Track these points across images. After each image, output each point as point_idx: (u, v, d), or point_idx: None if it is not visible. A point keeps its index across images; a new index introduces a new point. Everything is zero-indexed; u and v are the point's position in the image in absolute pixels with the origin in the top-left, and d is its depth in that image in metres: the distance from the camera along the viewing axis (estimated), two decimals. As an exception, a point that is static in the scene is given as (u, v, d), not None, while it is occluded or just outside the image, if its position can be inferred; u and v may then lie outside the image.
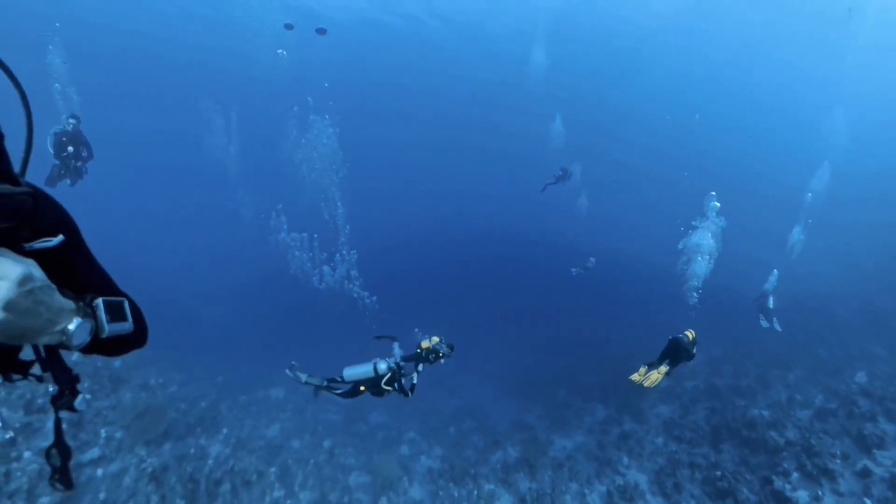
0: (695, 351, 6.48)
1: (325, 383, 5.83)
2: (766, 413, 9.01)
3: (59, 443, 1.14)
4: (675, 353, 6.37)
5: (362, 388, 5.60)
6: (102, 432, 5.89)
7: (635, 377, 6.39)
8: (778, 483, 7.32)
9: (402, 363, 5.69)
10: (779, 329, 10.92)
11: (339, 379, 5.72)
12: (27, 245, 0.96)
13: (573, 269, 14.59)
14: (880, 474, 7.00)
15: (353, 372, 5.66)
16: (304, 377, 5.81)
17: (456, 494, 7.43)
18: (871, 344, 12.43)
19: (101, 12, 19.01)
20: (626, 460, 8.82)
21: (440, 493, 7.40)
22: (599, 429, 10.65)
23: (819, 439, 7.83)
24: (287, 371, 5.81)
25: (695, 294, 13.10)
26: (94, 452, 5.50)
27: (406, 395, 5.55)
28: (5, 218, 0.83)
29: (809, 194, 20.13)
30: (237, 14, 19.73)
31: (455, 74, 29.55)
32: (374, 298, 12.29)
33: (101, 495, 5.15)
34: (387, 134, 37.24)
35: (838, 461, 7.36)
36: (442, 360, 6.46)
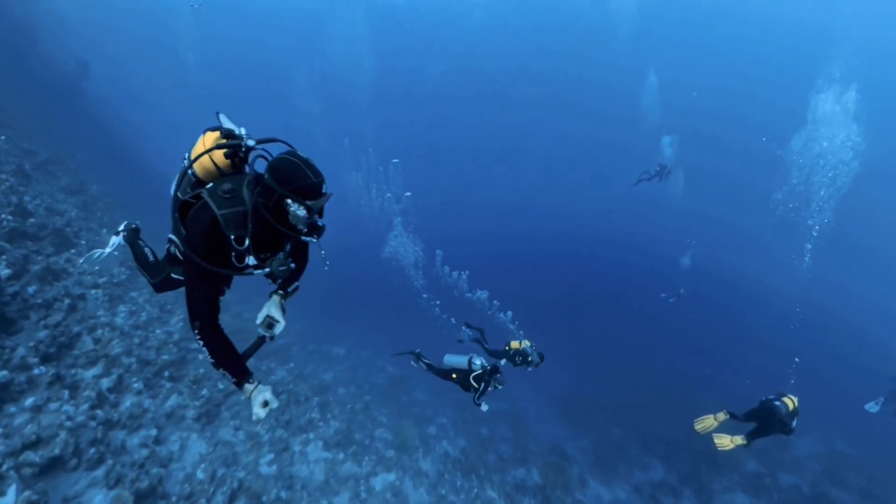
0: (794, 424, 5.44)
1: (418, 350, 6.65)
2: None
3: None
4: (767, 421, 5.46)
5: (454, 375, 6.04)
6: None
7: (706, 422, 5.71)
8: None
9: (500, 369, 5.93)
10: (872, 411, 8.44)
11: (430, 362, 6.50)
12: (303, 238, 1.94)
13: (663, 294, 13.51)
14: None
15: (451, 360, 6.21)
16: (405, 351, 6.90)
17: (458, 484, 8.28)
18: None
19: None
20: (665, 544, 8.05)
21: (446, 475, 8.39)
22: (650, 492, 9.82)
23: None
24: (412, 363, 6.83)
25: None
26: (195, 345, 7.97)
27: (474, 401, 5.74)
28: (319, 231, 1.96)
29: None
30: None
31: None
32: (440, 252, 13.67)
33: (201, 370, 7.50)
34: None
35: None
36: (529, 368, 6.68)
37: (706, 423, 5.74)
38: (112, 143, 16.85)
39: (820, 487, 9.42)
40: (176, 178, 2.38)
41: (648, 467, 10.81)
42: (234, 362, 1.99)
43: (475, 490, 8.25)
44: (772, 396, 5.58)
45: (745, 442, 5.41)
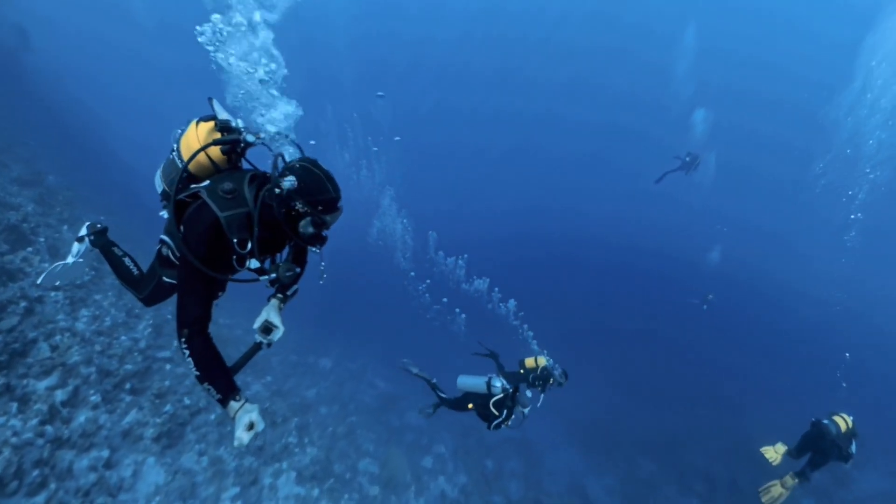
0: (853, 449, 5.41)
1: (434, 380, 6.55)
2: None
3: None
4: (820, 447, 5.46)
5: (470, 405, 5.85)
6: (174, 342, 8.71)
7: (768, 453, 5.85)
8: None
9: (522, 389, 5.79)
10: None
11: (443, 395, 6.39)
12: (310, 247, 2.21)
13: (700, 301, 13.37)
14: None
15: (466, 382, 5.96)
16: (415, 370, 6.71)
17: (457, 534, 8.17)
18: None
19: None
20: None
21: (442, 522, 8.33)
22: None
23: None
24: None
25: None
26: (166, 353, 8.25)
27: (489, 428, 5.63)
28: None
29: None
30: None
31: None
32: (434, 234, 13.83)
33: (167, 383, 7.75)
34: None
35: None
36: (552, 388, 6.42)
37: (769, 454, 5.84)
38: (65, 127, 17.06)
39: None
40: (160, 171, 2.52)
41: (686, 510, 10.66)
42: (222, 376, 2.05)
43: (476, 541, 8.27)
44: (822, 416, 5.60)
45: (797, 481, 5.38)
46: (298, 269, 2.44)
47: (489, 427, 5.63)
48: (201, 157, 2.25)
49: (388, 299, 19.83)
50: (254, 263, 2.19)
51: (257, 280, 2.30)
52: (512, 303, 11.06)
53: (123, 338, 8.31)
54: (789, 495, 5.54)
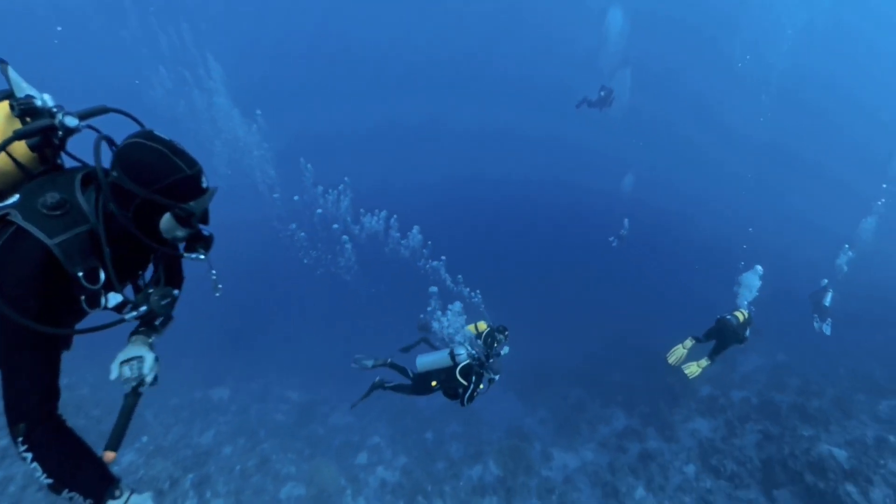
0: (747, 333, 6.72)
1: (390, 360, 6.26)
2: (841, 454, 8.09)
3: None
4: (723, 336, 6.64)
5: (434, 382, 5.60)
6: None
7: (676, 352, 6.74)
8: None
9: (487, 355, 5.58)
10: (827, 333, 10.55)
11: (402, 382, 5.97)
12: (187, 255, 1.69)
13: (612, 239, 14.16)
14: None
15: (427, 361, 5.69)
16: (370, 363, 6.21)
17: (401, 517, 8.01)
18: None
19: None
20: (641, 492, 8.67)
21: (385, 513, 8.02)
22: (615, 443, 10.64)
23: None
24: (353, 364, 6.31)
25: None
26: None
27: (463, 403, 5.45)
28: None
29: None
30: None
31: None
32: (310, 166, 12.44)
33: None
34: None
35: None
36: (501, 353, 6.07)
37: (677, 353, 6.82)
38: None
39: (765, 395, 11.02)
40: None
41: (611, 419, 11.73)
42: (88, 472, 1.52)
43: (423, 516, 8.10)
44: (725, 313, 6.87)
45: (709, 362, 6.65)
46: (177, 292, 1.87)
47: (462, 403, 5.38)
48: (0, 159, 1.59)
49: (274, 266, 17.70)
50: (114, 298, 1.65)
51: (122, 321, 1.73)
52: (416, 235, 10.04)
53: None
54: (700, 374, 6.67)
